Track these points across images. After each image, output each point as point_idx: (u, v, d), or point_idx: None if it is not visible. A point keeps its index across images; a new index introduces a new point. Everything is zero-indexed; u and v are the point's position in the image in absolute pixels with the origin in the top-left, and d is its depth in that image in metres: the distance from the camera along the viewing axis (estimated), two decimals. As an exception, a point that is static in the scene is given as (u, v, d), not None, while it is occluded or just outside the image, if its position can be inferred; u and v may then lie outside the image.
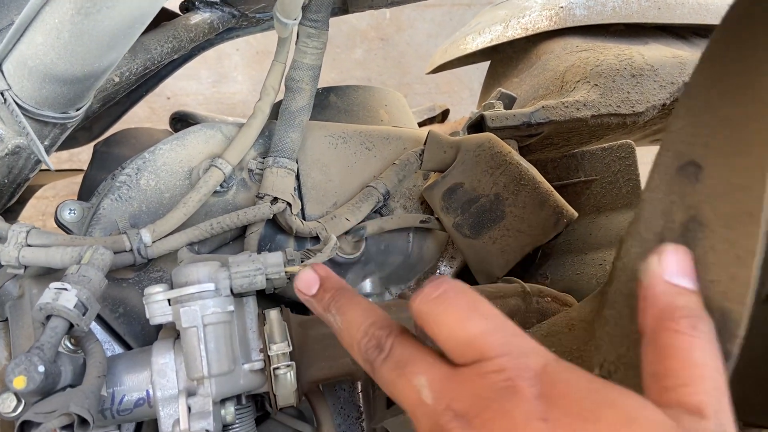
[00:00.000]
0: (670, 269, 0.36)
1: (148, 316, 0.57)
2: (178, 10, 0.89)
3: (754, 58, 0.34)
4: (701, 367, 0.33)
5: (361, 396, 0.80)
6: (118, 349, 0.69)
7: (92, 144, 0.97)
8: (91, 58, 0.55)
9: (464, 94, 2.51)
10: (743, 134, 0.34)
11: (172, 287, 0.58)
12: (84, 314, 0.54)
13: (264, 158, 0.75)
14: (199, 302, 0.55)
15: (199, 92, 2.16)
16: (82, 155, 1.88)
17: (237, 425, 0.60)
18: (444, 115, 1.45)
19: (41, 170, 0.81)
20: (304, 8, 0.70)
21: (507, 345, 0.34)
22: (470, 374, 0.34)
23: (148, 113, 2.05)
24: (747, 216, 0.33)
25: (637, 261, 0.39)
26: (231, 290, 0.58)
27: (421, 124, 1.40)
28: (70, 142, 1.10)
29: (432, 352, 0.37)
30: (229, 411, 0.58)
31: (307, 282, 0.46)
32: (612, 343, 0.40)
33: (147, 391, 0.58)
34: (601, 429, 0.30)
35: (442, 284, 0.37)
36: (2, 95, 0.58)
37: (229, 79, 2.22)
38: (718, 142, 0.36)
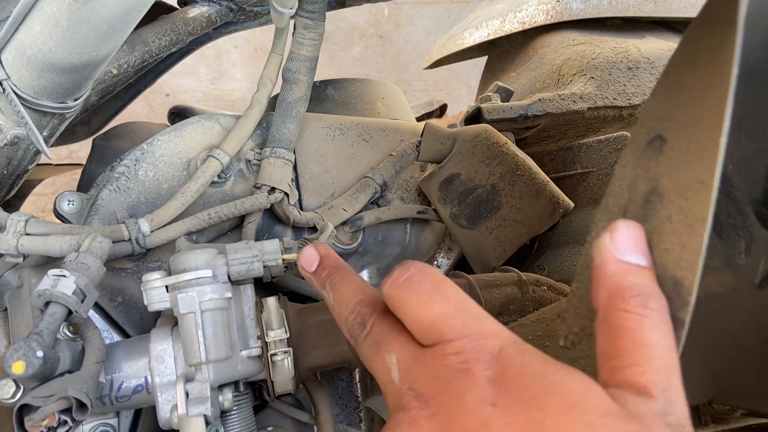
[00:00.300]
0: (622, 246, 0.36)
1: (146, 303, 0.57)
2: (176, 4, 0.90)
3: (721, 32, 0.34)
4: (651, 346, 0.33)
5: (359, 386, 0.81)
6: (116, 338, 0.70)
7: (91, 139, 0.98)
8: (89, 47, 0.55)
9: (462, 91, 2.51)
10: (701, 104, 0.35)
11: (170, 275, 0.58)
12: (82, 301, 0.54)
13: (261, 149, 0.75)
14: (197, 288, 0.56)
15: (198, 89, 2.16)
16: (81, 152, 1.89)
17: (235, 411, 0.61)
18: (442, 110, 1.45)
19: (40, 164, 0.81)
20: (301, -1, 0.70)
21: (466, 327, 0.35)
22: (432, 356, 0.35)
23: (147, 110, 2.06)
24: (700, 184, 0.34)
25: None
26: (228, 277, 0.59)
27: (418, 119, 1.40)
28: (69, 137, 1.10)
29: (407, 332, 0.38)
30: (227, 397, 0.59)
31: (308, 259, 0.48)
32: (577, 315, 0.41)
33: (145, 377, 0.58)
34: (544, 415, 0.31)
35: (410, 268, 0.38)
36: (1, 85, 0.58)
37: (227, 76, 2.22)
38: (681, 115, 0.37)
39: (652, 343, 0.33)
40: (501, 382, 0.33)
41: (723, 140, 0.33)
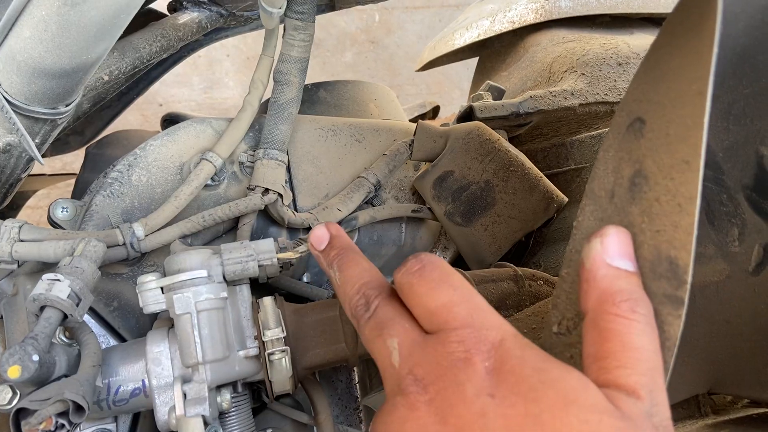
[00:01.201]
0: (612, 252, 0.37)
1: (141, 305, 0.57)
2: (166, 11, 0.90)
3: (699, 15, 0.35)
4: (638, 350, 0.34)
5: (358, 386, 0.81)
6: (113, 343, 0.69)
7: (84, 149, 0.98)
8: (78, 51, 0.55)
9: (455, 94, 2.52)
10: (679, 84, 0.35)
11: (165, 277, 0.58)
12: (77, 304, 0.54)
13: (254, 151, 0.75)
14: (192, 289, 0.55)
15: (192, 98, 2.16)
16: (75, 164, 1.89)
17: (233, 412, 0.60)
18: (434, 112, 1.46)
19: (34, 175, 0.81)
20: (290, 0, 0.71)
21: (470, 317, 0.36)
22: (434, 342, 0.36)
23: (140, 120, 2.06)
24: (684, 165, 0.34)
25: (590, 218, 0.40)
26: (224, 277, 0.59)
27: (411, 121, 1.41)
28: (63, 147, 1.10)
29: (411, 318, 0.39)
30: (225, 398, 0.58)
31: (319, 237, 0.49)
32: (570, 301, 0.41)
33: (143, 381, 0.58)
34: (541, 409, 0.31)
35: (423, 260, 0.40)
36: (-8, 91, 0.58)
37: (220, 84, 2.23)
38: (659, 96, 0.37)
39: (640, 346, 0.34)
40: (499, 373, 0.34)
41: (705, 119, 0.33)
